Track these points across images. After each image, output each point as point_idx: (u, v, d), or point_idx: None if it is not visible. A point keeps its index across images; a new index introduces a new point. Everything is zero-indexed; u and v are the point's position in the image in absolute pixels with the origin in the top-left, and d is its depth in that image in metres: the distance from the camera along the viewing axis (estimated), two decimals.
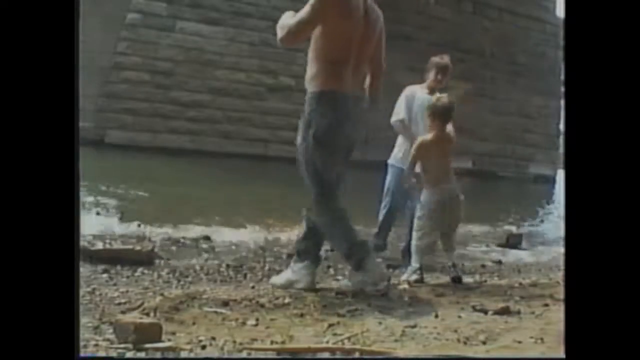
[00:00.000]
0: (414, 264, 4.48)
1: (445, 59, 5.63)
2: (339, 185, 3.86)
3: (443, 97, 4.66)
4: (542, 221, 11.41)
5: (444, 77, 5.54)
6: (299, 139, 3.83)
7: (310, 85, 3.88)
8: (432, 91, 5.42)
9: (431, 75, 5.54)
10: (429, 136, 4.59)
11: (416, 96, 5.51)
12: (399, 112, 5.58)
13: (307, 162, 3.78)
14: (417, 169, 4.58)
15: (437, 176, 4.51)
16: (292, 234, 7.05)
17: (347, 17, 3.75)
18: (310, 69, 3.91)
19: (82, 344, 2.32)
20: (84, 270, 4.12)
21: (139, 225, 6.54)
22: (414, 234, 4.56)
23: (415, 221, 4.58)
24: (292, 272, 3.86)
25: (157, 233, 6.37)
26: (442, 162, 4.56)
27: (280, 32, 3.87)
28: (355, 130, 3.91)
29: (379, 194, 5.91)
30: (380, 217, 5.89)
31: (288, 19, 3.83)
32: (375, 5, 3.92)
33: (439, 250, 4.72)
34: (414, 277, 4.39)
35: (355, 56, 3.80)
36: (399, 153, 5.65)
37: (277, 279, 3.92)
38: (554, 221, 10.75)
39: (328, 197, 3.79)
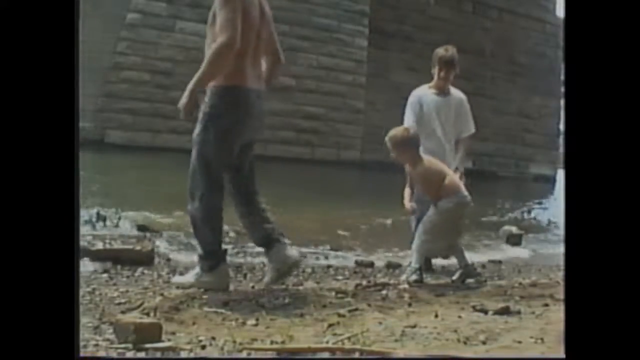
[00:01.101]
0: (414, 264, 4.48)
1: (450, 50, 5.14)
2: (225, 184, 3.79)
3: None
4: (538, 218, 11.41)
5: (449, 72, 5.08)
6: (196, 131, 3.72)
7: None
8: (440, 90, 5.12)
9: (436, 71, 5.10)
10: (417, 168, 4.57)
11: (423, 100, 5.11)
12: (407, 120, 5.07)
13: (201, 155, 3.68)
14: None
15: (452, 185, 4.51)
16: (292, 234, 7.05)
17: (249, 5, 3.65)
18: None
19: (82, 344, 2.33)
20: (84, 270, 4.12)
21: (138, 227, 6.53)
22: (421, 236, 4.51)
23: (424, 225, 4.52)
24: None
25: (157, 233, 6.37)
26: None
27: (218, 47, 3.55)
28: (257, 125, 3.83)
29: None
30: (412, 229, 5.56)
31: (216, 31, 3.62)
32: None
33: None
34: (414, 277, 4.39)
35: (253, 48, 3.69)
36: None
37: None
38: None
39: (214, 194, 3.71)
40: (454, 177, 4.62)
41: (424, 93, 5.15)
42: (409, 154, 4.51)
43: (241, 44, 3.55)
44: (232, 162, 3.78)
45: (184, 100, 3.60)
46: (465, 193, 4.54)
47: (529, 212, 12.45)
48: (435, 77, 5.13)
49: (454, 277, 4.59)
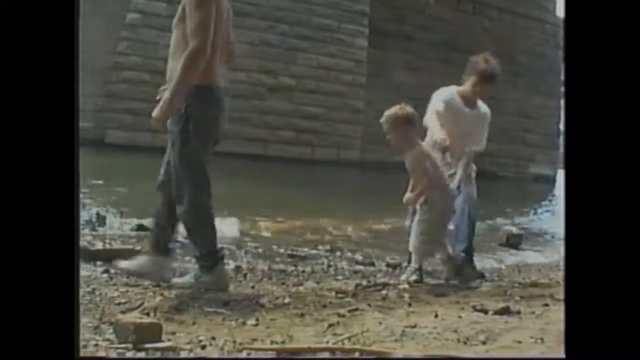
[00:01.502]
0: (414, 264, 4.47)
1: (491, 63, 4.72)
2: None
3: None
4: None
5: (486, 88, 4.73)
6: (175, 130, 3.65)
7: None
8: (468, 101, 4.77)
9: (470, 82, 4.71)
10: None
11: (448, 106, 4.70)
12: (438, 132, 4.55)
13: (184, 156, 3.64)
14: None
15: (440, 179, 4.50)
16: (292, 235, 7.06)
17: (220, 6, 3.62)
18: (177, 66, 3.59)
19: (82, 344, 2.32)
20: (84, 270, 4.12)
21: (138, 227, 6.53)
22: (419, 237, 4.49)
23: (420, 225, 4.50)
24: (146, 264, 3.77)
25: None
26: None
27: (192, 52, 3.50)
28: (224, 122, 3.81)
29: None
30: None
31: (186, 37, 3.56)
32: None
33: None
34: (414, 277, 4.38)
35: (220, 47, 3.66)
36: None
37: (126, 264, 3.85)
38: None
39: (202, 192, 3.69)
40: (444, 172, 4.58)
41: (452, 98, 4.77)
42: (405, 133, 4.37)
43: (213, 45, 3.54)
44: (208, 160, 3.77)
45: (162, 111, 3.54)
46: (454, 188, 4.53)
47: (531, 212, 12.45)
48: (469, 87, 4.76)
49: (445, 275, 4.57)
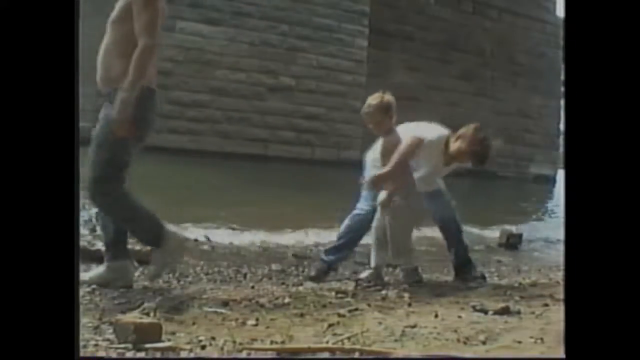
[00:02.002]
0: (406, 265, 4.41)
1: (486, 150, 4.48)
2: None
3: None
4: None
5: (468, 163, 4.55)
6: (101, 115, 3.60)
7: (116, 82, 3.53)
8: (446, 155, 4.48)
9: (460, 149, 4.42)
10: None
11: (437, 148, 4.48)
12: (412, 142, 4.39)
13: (102, 146, 3.58)
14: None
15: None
16: (292, 234, 7.07)
17: (162, 5, 3.59)
18: (117, 65, 3.53)
19: (82, 344, 2.32)
20: (84, 270, 4.12)
21: None
22: (394, 238, 4.36)
23: (398, 226, 4.35)
24: (109, 270, 3.69)
25: None
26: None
27: (144, 51, 3.46)
28: (153, 123, 3.76)
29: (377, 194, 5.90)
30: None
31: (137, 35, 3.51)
32: None
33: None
34: (365, 274, 4.32)
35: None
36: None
37: (90, 275, 3.74)
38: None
39: (119, 180, 3.64)
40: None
41: (440, 141, 4.50)
42: (383, 120, 4.31)
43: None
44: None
45: (124, 112, 3.47)
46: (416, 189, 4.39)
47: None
48: (456, 149, 4.45)
49: (400, 278, 4.47)
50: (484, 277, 4.73)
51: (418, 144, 4.37)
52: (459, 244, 4.74)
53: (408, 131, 4.45)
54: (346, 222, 4.65)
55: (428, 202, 4.57)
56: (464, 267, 4.69)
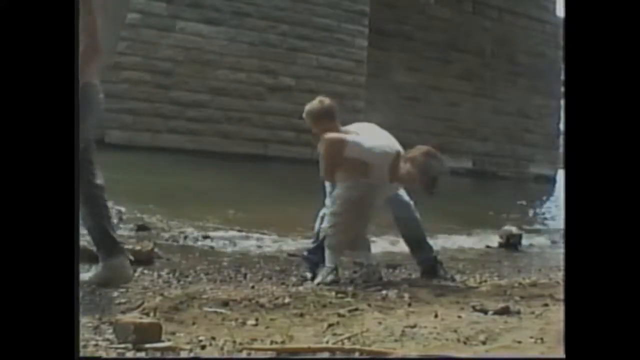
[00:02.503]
0: (329, 263, 4.28)
1: (434, 177, 4.20)
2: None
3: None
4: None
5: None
6: None
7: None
8: (391, 173, 4.25)
9: (410, 171, 4.19)
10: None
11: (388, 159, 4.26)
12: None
13: None
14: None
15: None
16: (292, 234, 7.06)
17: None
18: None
19: (82, 344, 2.33)
20: (84, 270, 4.11)
21: (138, 227, 6.53)
22: (328, 231, 4.28)
23: (329, 218, 4.31)
24: (106, 268, 3.65)
25: (157, 232, 6.38)
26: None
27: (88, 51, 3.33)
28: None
29: None
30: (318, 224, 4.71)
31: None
32: None
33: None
34: (330, 277, 4.21)
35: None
36: None
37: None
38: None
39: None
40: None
41: (390, 155, 4.28)
42: (325, 125, 4.36)
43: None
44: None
45: None
46: (369, 180, 4.21)
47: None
48: (405, 171, 4.22)
49: (356, 275, 4.37)
50: (453, 279, 4.67)
51: (338, 144, 4.22)
52: (423, 244, 4.66)
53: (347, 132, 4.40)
54: (317, 220, 4.56)
55: (386, 202, 4.52)
56: (432, 268, 4.63)
